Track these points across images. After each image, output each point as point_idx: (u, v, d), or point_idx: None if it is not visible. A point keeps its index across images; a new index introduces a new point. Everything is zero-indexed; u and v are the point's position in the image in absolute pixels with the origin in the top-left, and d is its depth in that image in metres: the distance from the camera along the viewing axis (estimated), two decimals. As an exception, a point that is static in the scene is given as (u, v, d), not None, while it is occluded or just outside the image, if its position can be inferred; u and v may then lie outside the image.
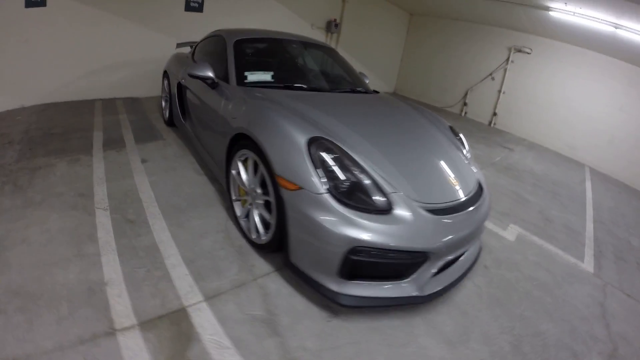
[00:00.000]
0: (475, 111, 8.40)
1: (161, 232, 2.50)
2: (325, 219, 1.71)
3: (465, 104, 8.56)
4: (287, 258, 1.96)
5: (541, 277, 2.71)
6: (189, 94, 3.62)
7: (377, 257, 1.70)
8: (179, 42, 4.82)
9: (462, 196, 2.12)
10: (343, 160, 1.90)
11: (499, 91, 7.92)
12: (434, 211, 1.90)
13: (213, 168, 3.07)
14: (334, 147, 1.95)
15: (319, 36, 7.51)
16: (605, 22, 5.15)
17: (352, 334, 1.87)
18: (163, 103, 4.70)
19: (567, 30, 5.98)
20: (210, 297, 1.98)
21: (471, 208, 2.09)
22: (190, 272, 2.16)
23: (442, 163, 2.32)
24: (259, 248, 2.29)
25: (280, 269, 2.25)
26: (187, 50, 4.73)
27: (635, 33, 5.01)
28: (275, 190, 1.94)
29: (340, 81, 3.41)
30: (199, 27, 5.57)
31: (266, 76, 2.95)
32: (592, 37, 5.76)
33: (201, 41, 4.14)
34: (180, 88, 3.88)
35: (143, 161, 3.54)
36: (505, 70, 7.71)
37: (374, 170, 1.92)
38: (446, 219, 1.90)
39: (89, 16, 4.78)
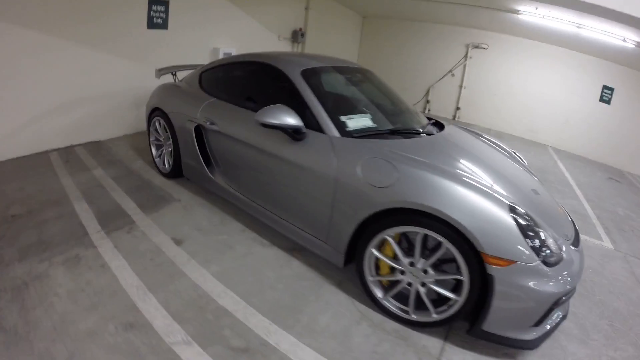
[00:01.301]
0: (439, 107, 8.39)
1: (297, 350, 1.75)
2: (538, 283, 1.62)
3: (427, 101, 8.49)
4: (477, 327, 1.76)
5: (590, 264, 2.94)
6: (226, 143, 2.71)
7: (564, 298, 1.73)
8: (160, 67, 3.65)
9: (571, 221, 2.15)
10: (529, 220, 1.73)
11: (460, 86, 7.98)
12: (572, 242, 1.95)
13: (300, 238, 2.34)
14: (522, 209, 1.77)
15: (286, 47, 6.67)
16: (570, 22, 5.27)
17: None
18: (153, 150, 3.53)
19: (530, 28, 6.08)
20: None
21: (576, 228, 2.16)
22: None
23: (544, 192, 2.27)
24: (422, 326, 1.95)
25: (446, 338, 1.96)
26: (165, 78, 3.63)
27: (595, 31, 5.21)
28: (472, 269, 1.68)
29: (412, 115, 2.81)
30: (165, 46, 4.43)
31: (366, 120, 2.32)
32: (552, 34, 5.92)
33: (213, 67, 3.12)
34: (201, 132, 2.88)
35: (178, 242, 2.52)
36: (464, 66, 7.76)
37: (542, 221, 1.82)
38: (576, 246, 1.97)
39: (31, 44, 3.34)
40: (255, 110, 2.36)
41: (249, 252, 2.47)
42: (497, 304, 1.65)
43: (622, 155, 6.42)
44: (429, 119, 2.88)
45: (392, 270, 1.92)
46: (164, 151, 3.42)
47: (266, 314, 1.93)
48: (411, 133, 2.38)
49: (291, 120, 2.05)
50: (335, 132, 2.11)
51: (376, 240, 1.87)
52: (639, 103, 6.14)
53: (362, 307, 2.07)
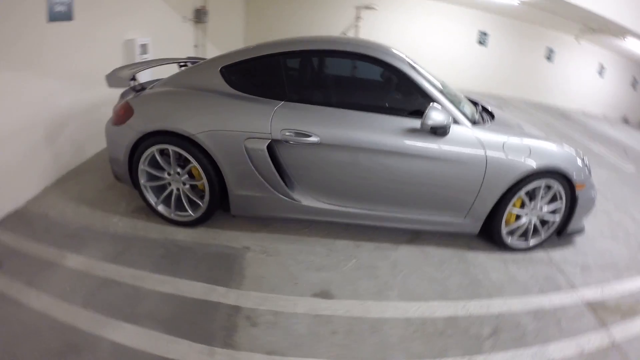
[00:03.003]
0: (337, 70, 8.22)
1: (509, 304, 1.96)
2: (593, 192, 2.39)
3: None
4: (564, 232, 2.41)
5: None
6: (328, 155, 2.06)
7: None
8: (116, 69, 2.24)
9: None
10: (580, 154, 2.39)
11: (354, 47, 7.91)
12: None
13: (426, 225, 2.27)
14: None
15: (190, 29, 5.16)
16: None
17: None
18: (149, 195, 2.28)
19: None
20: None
21: None
22: None
23: None
24: (533, 247, 2.45)
25: (543, 248, 2.49)
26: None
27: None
28: (567, 197, 2.26)
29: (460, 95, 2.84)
30: (73, 43, 2.81)
31: (469, 107, 2.42)
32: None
33: (251, 59, 2.19)
34: (275, 150, 2.07)
35: (325, 295, 1.88)
36: (357, 27, 7.69)
37: None
38: None
39: None
40: (366, 110, 2.11)
41: (393, 263, 2.16)
42: (577, 213, 2.30)
43: (498, 85, 7.75)
44: None
45: (518, 217, 2.32)
46: (177, 191, 2.23)
47: (470, 298, 1.96)
48: (487, 111, 2.65)
49: (449, 117, 1.96)
50: (467, 123, 2.12)
51: (515, 199, 2.19)
52: (508, 43, 7.38)
53: (497, 255, 2.34)
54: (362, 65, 2.29)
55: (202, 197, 2.19)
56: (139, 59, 3.59)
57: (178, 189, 2.20)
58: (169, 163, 2.15)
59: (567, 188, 2.22)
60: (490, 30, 7.50)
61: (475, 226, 2.25)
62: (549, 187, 2.21)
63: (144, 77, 2.49)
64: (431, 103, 1.99)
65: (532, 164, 2.09)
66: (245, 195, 2.12)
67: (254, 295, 1.80)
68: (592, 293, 2.10)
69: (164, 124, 2.02)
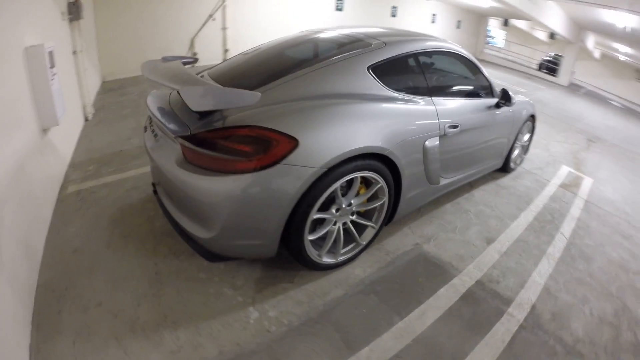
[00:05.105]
0: (208, 56, 7.33)
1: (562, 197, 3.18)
2: None
3: (195, 53, 7.07)
4: (527, 150, 3.96)
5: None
6: (460, 139, 2.32)
7: None
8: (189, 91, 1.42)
9: None
10: None
11: (223, 28, 7.20)
12: None
13: (476, 175, 2.84)
14: None
15: (66, 27, 3.39)
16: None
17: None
18: (342, 224, 1.83)
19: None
20: None
21: None
22: None
23: None
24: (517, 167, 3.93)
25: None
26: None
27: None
28: (532, 127, 3.57)
29: None
30: None
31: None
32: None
33: (399, 58, 2.04)
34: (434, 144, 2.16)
35: (489, 240, 2.34)
36: (224, 8, 6.84)
37: None
38: None
39: None
40: (464, 97, 2.48)
41: (485, 204, 2.82)
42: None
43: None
44: None
45: (515, 148, 3.34)
46: (343, 226, 1.84)
47: (527, 204, 2.89)
48: None
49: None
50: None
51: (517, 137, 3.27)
52: (360, 6, 8.47)
53: (509, 177, 3.34)
54: (450, 59, 2.57)
55: (369, 219, 1.94)
56: (50, 74, 2.24)
57: (345, 223, 1.79)
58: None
59: (532, 122, 3.45)
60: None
61: (502, 162, 3.22)
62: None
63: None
64: (503, 88, 2.69)
65: (527, 113, 3.22)
66: (410, 197, 2.11)
67: (472, 267, 2.09)
68: (556, 181, 3.52)
69: (359, 146, 1.59)
